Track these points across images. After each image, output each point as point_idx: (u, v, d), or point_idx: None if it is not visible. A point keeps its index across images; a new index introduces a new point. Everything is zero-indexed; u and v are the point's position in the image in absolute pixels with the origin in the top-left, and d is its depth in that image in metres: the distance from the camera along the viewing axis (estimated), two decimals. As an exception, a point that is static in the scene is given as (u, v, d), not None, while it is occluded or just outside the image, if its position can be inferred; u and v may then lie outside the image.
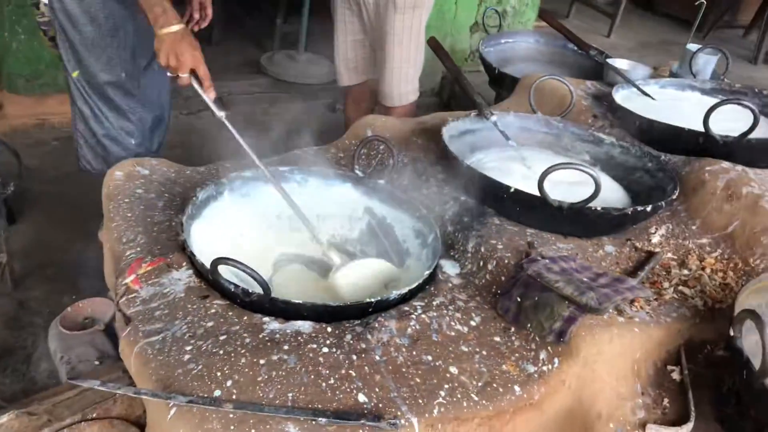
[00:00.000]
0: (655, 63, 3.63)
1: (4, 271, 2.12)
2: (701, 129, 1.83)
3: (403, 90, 2.65)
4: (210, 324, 1.26)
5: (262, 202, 1.68)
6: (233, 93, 3.82)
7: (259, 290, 1.25)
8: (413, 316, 1.33)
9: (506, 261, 1.46)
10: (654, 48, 5.97)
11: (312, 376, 1.16)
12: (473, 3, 4.17)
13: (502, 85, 2.81)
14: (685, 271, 1.53)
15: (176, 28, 1.73)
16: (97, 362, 1.75)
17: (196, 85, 1.74)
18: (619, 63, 2.52)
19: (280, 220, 1.68)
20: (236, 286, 1.29)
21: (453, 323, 1.34)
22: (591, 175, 1.43)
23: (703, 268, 1.54)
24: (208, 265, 1.27)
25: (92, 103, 2.10)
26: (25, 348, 2.00)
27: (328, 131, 3.59)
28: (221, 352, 1.19)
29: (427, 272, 1.41)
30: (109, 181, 1.68)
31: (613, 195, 1.80)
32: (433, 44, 2.18)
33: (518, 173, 1.82)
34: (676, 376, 1.35)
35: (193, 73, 1.74)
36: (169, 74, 1.78)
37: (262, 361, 1.17)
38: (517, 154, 1.90)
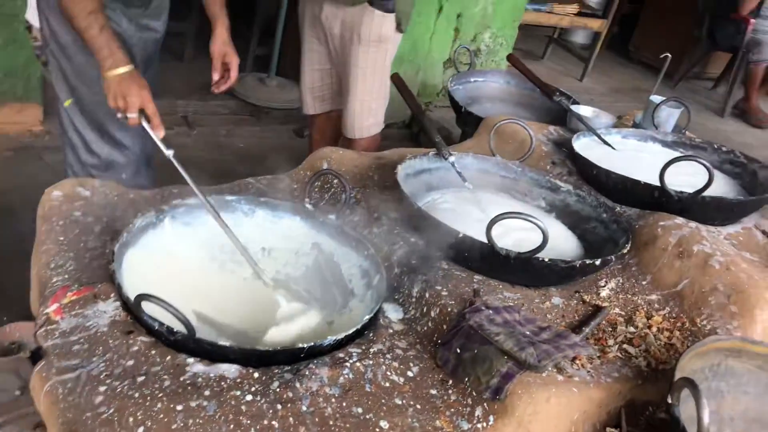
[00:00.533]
0: (626, 110, 3.67)
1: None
2: (657, 183, 1.82)
3: (365, 123, 2.62)
4: (130, 363, 1.19)
5: (206, 232, 1.61)
6: (199, 112, 3.76)
7: (183, 329, 1.19)
8: (347, 363, 1.28)
9: (450, 309, 1.42)
10: (626, 94, 6.06)
11: (231, 426, 1.10)
12: (448, 39, 4.19)
13: (468, 123, 2.79)
14: (632, 329, 1.50)
15: (123, 70, 1.73)
16: (18, 392, 1.65)
17: (145, 125, 1.73)
18: (584, 110, 2.52)
19: (222, 253, 1.61)
20: (160, 323, 1.22)
21: (389, 373, 1.29)
22: (539, 226, 1.41)
23: (649, 326, 1.51)
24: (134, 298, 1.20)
25: (84, 133, 2.03)
26: (-54, 371, 1.89)
27: (292, 158, 3.54)
28: (137, 395, 1.12)
29: (367, 317, 1.36)
30: (45, 200, 1.61)
31: (566, 244, 1.78)
32: (397, 81, 2.16)
33: (472, 216, 1.79)
34: (615, 438, 1.31)
35: (142, 112, 1.73)
36: (119, 115, 1.76)
37: (179, 407, 1.11)
38: (472, 197, 1.87)
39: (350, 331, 1.31)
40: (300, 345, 1.25)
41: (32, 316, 1.82)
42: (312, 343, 1.26)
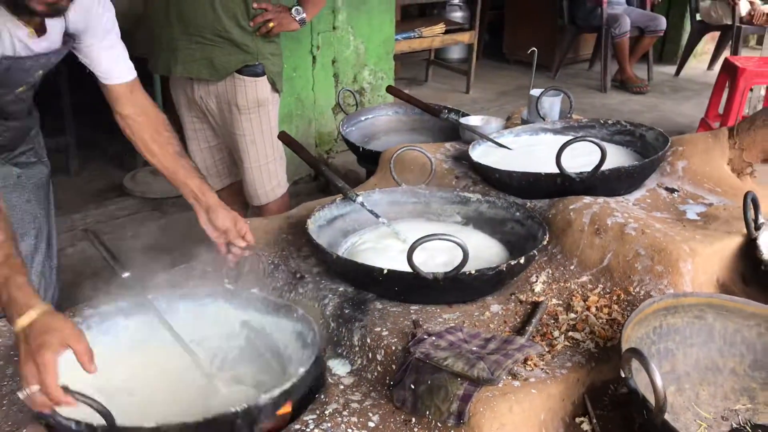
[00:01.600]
0: (515, 109, 3.80)
1: None
2: (557, 170, 1.87)
3: (268, 187, 2.60)
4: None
5: (126, 335, 1.54)
6: (99, 221, 3.62)
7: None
8: (305, 433, 1.22)
9: (394, 347, 1.39)
10: (512, 94, 6.29)
11: None
12: (330, 85, 4.24)
13: (370, 161, 2.80)
14: (572, 315, 1.52)
15: (34, 314, 1.22)
16: None
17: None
18: (473, 120, 2.58)
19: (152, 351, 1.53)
20: (77, 422, 1.14)
21: (350, 430, 1.25)
22: (455, 242, 1.41)
23: (588, 308, 1.53)
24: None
25: None
26: None
27: (205, 241, 3.47)
28: None
29: (303, 369, 1.29)
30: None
31: (490, 251, 1.79)
32: (285, 139, 2.15)
33: (395, 249, 1.78)
34: (586, 426, 1.31)
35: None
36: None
37: None
38: (389, 230, 1.86)
39: (287, 386, 1.24)
40: (233, 409, 1.17)
41: None
42: (245, 405, 1.18)
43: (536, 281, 1.66)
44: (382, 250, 1.79)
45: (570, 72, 7.06)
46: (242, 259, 1.76)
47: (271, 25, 2.42)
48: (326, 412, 1.29)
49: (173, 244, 3.49)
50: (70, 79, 4.04)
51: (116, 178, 4.16)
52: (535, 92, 2.54)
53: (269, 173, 2.62)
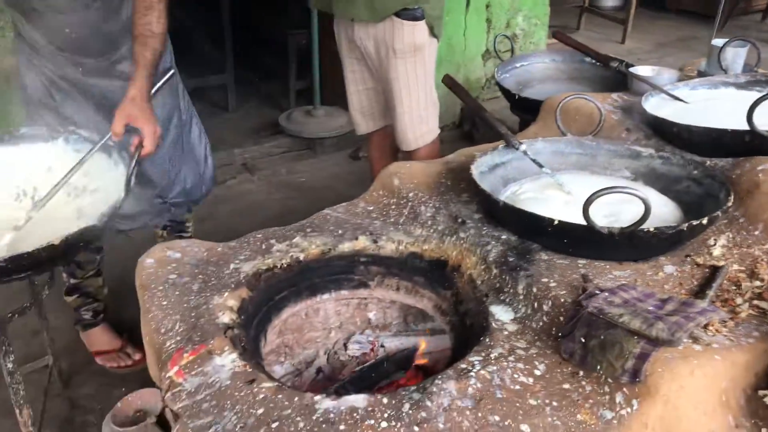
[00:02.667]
0: (678, 62, 3.53)
1: (51, 372, 2.09)
2: (746, 127, 1.72)
3: (418, 133, 2.60)
4: (260, 411, 1.19)
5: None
6: (256, 157, 3.82)
7: None
8: (472, 373, 1.25)
9: (562, 299, 1.37)
10: (673, 46, 5.85)
11: (374, 456, 1.08)
12: (482, 31, 4.14)
13: (524, 109, 2.74)
14: (758, 283, 1.41)
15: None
16: (152, 457, 1.70)
17: None
18: (643, 70, 2.43)
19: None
20: None
21: (516, 375, 1.25)
22: (639, 197, 1.35)
23: (776, 277, 1.42)
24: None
25: None
26: (80, 450, 1.96)
27: (356, 181, 3.57)
28: (275, 441, 1.12)
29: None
30: (140, 270, 1.65)
31: (662, 209, 1.70)
32: (449, 82, 2.13)
33: (559, 201, 1.74)
34: (769, 400, 1.23)
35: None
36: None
37: (319, 447, 1.10)
38: (552, 181, 1.82)
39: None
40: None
41: (148, 384, 1.88)
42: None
43: (714, 245, 1.56)
44: (544, 200, 1.75)
45: (740, 24, 6.43)
46: None
47: None
48: (492, 356, 1.30)
49: (326, 182, 3.64)
50: (232, 23, 4.23)
51: (271, 116, 4.35)
52: (718, 42, 2.33)
53: (421, 119, 2.62)
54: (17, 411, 1.73)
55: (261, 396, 1.23)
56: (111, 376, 2.24)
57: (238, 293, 1.55)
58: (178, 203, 2.27)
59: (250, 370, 1.30)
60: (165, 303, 1.52)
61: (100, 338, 2.37)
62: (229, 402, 1.22)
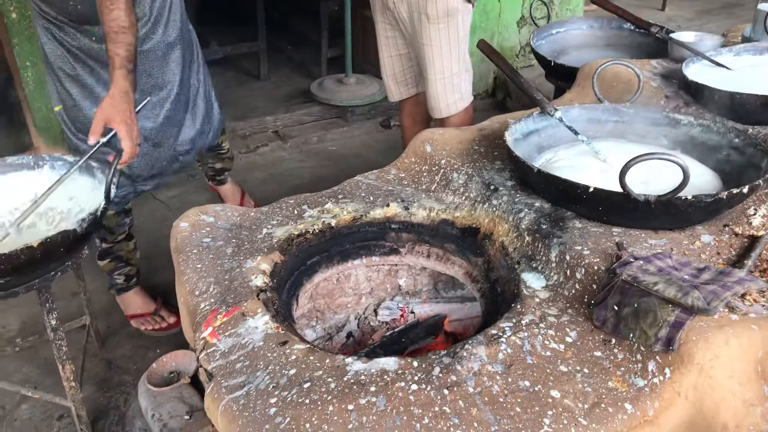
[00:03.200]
0: (721, 30, 3.41)
1: (89, 332, 2.15)
2: (791, 94, 1.67)
3: (450, 100, 2.56)
4: (292, 372, 1.21)
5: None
6: (287, 125, 3.83)
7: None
8: (503, 339, 1.25)
9: (596, 267, 1.36)
10: (716, 14, 5.66)
11: (405, 418, 1.09)
12: (517, -2, 4.06)
13: (560, 76, 2.68)
14: (798, 253, 1.38)
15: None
16: (187, 416, 1.74)
17: None
18: (684, 36, 2.36)
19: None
20: None
21: (547, 342, 1.25)
22: (677, 163, 1.31)
23: (817, 248, 1.38)
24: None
25: (72, 136, 2.13)
26: (118, 407, 2.02)
27: (386, 149, 3.56)
28: (307, 401, 1.13)
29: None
30: (175, 233, 1.67)
31: (700, 178, 1.66)
32: (485, 47, 2.09)
33: (594, 168, 1.71)
34: (806, 372, 1.21)
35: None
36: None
37: (350, 407, 1.11)
38: (588, 149, 1.78)
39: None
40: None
41: (182, 346, 1.93)
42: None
43: (755, 214, 1.52)
44: (580, 168, 1.72)
45: (788, -12, 6.18)
46: None
47: None
48: (523, 322, 1.30)
49: (357, 149, 3.63)
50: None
51: (302, 84, 4.34)
52: (764, 7, 2.25)
53: (453, 86, 2.58)
54: (60, 366, 1.78)
55: (293, 357, 1.25)
56: (146, 338, 2.29)
57: (270, 257, 1.57)
58: (186, 151, 2.35)
59: (283, 332, 1.32)
60: (199, 266, 1.55)
61: (134, 302, 2.42)
62: (261, 362, 1.24)
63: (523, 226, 1.56)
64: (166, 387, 1.79)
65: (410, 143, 2.00)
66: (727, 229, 1.49)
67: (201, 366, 1.31)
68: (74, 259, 1.73)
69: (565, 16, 4.22)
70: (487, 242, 1.64)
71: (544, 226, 1.52)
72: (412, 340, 1.69)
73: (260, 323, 1.35)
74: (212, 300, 1.43)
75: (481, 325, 1.47)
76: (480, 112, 4.06)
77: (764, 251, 1.41)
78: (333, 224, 1.71)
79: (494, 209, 1.66)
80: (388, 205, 1.76)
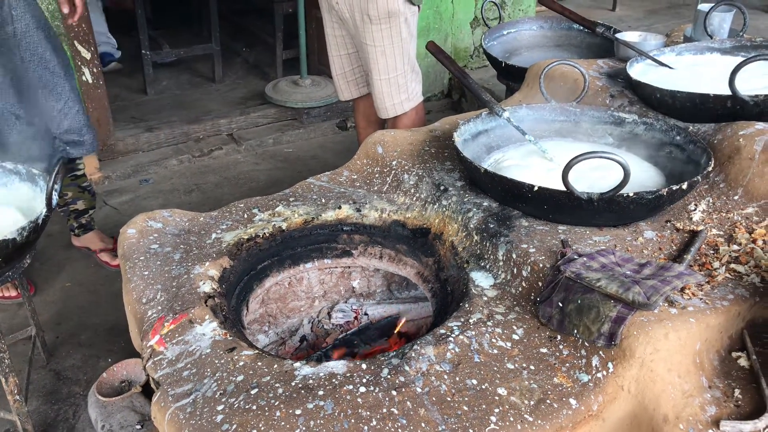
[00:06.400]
0: (667, 29, 3.49)
1: (35, 343, 2.09)
2: (728, 92, 1.72)
3: (396, 100, 2.56)
4: (240, 378, 1.20)
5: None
6: (242, 127, 3.79)
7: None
8: (451, 338, 1.26)
9: (541, 265, 1.38)
10: (663, 14, 5.80)
11: (353, 420, 1.09)
12: (470, -1, 4.09)
13: (511, 77, 2.71)
14: (735, 247, 1.42)
15: None
16: (138, 426, 1.71)
17: None
18: (629, 36, 2.41)
19: None
20: None
21: (494, 340, 1.26)
22: (618, 161, 1.34)
23: (753, 241, 1.43)
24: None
25: None
26: (67, 420, 1.97)
27: (343, 150, 3.55)
28: (254, 407, 1.12)
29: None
30: (122, 240, 1.64)
31: (644, 175, 1.70)
32: (433, 48, 2.11)
33: (540, 168, 1.74)
34: (743, 362, 1.25)
35: None
36: None
37: (298, 412, 1.11)
38: (536, 148, 1.81)
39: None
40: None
41: (133, 354, 1.89)
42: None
43: (695, 209, 1.57)
44: (527, 167, 1.74)
45: (732, -11, 6.37)
46: None
47: None
48: (471, 321, 1.31)
49: (313, 151, 3.62)
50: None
51: (257, 86, 4.30)
52: (704, 7, 2.31)
53: (398, 86, 2.58)
54: (2, 380, 1.73)
55: (241, 363, 1.24)
56: (96, 347, 2.24)
57: (219, 263, 1.55)
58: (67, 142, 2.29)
59: (231, 338, 1.31)
60: (146, 273, 1.52)
61: (94, 239, 2.69)
62: (209, 369, 1.23)
63: (471, 226, 1.58)
64: (116, 397, 1.75)
65: (362, 145, 2.00)
66: (669, 224, 1.53)
67: (148, 375, 1.29)
68: (14, 268, 1.68)
69: (517, 16, 4.27)
70: (437, 242, 1.65)
71: (491, 226, 1.54)
72: (364, 341, 1.69)
73: (208, 330, 1.33)
74: (159, 307, 1.41)
75: (432, 324, 1.48)
76: (435, 113, 4.09)
77: (703, 245, 1.45)
78: (284, 227, 1.70)
79: (444, 209, 1.67)
80: (339, 207, 1.75)
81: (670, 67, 2.09)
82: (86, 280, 2.61)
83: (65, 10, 2.15)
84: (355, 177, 1.90)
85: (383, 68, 2.50)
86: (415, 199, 1.76)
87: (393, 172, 1.85)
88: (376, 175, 1.88)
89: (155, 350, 1.31)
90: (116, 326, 2.29)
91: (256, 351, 1.27)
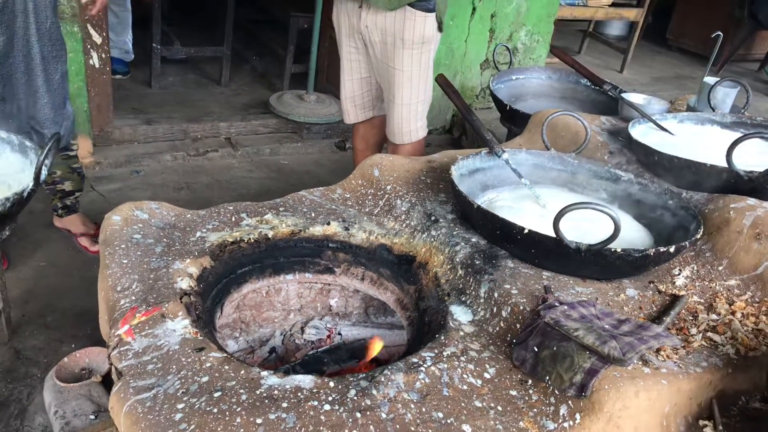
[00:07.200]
0: (671, 98, 3.56)
1: (0, 318, 2.05)
2: (724, 164, 1.74)
3: (413, 127, 2.59)
4: (204, 379, 1.18)
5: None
6: (242, 133, 3.79)
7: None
8: (422, 368, 1.25)
9: (521, 307, 1.37)
10: (668, 82, 5.91)
11: (312, 437, 1.07)
12: (483, 40, 4.14)
13: (514, 121, 2.75)
14: (714, 316, 1.43)
15: None
16: (92, 416, 1.67)
17: None
18: (635, 97, 2.45)
19: None
20: None
21: (465, 376, 1.25)
22: (610, 215, 1.35)
23: (732, 313, 1.44)
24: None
25: None
26: (20, 401, 1.92)
27: (338, 170, 3.55)
28: (215, 410, 1.10)
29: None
30: (106, 225, 1.62)
31: (633, 234, 1.72)
32: (442, 82, 2.13)
33: (532, 212, 1.74)
34: (709, 431, 1.25)
35: None
36: None
37: (258, 421, 1.09)
38: (530, 193, 1.82)
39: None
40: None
41: (98, 342, 1.86)
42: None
43: (679, 274, 1.58)
44: (519, 210, 1.75)
45: (736, 70, 6.51)
46: None
47: None
48: (444, 354, 1.30)
49: (308, 167, 3.62)
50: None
51: (262, 95, 4.32)
52: (710, 80, 2.36)
53: (416, 114, 2.61)
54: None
55: (208, 365, 1.21)
56: (61, 330, 2.20)
57: (200, 261, 1.53)
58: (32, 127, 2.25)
59: (201, 338, 1.29)
60: (125, 261, 1.50)
61: (76, 222, 2.67)
62: (174, 366, 1.21)
63: (457, 260, 1.57)
64: (74, 383, 1.71)
65: (359, 165, 2.00)
66: (651, 285, 1.54)
67: (111, 363, 1.27)
68: (-7, 238, 1.66)
69: (527, 64, 4.33)
70: (421, 271, 1.64)
71: (477, 262, 1.54)
72: (335, 361, 1.67)
73: (179, 327, 1.31)
74: (133, 297, 1.39)
75: (405, 352, 1.47)
76: (434, 147, 4.11)
77: (683, 311, 1.45)
78: (270, 236, 1.69)
79: (432, 240, 1.67)
80: (328, 224, 1.75)
81: (670, 133, 2.13)
82: (62, 262, 2.58)
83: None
84: (348, 196, 1.90)
85: (407, 94, 2.53)
86: (404, 225, 1.76)
87: (386, 196, 1.85)
88: (369, 197, 1.88)
89: (123, 340, 1.28)
90: (85, 312, 2.25)
91: (225, 354, 1.25)
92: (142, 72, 4.35)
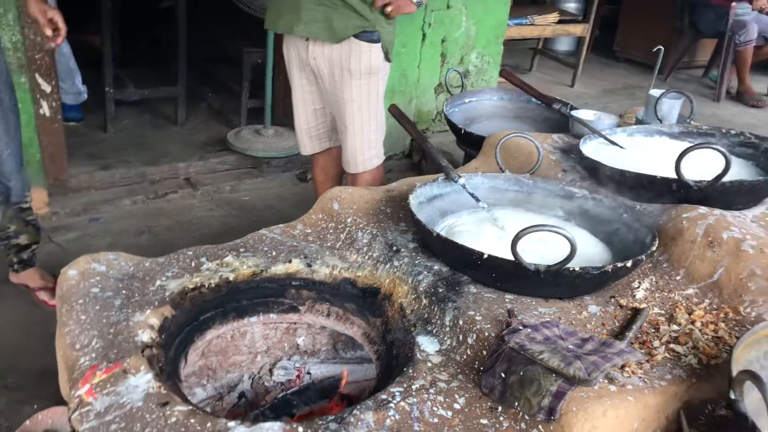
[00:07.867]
0: (621, 109, 3.64)
1: (-42, 384, 1.98)
2: (674, 175, 1.79)
3: (366, 156, 2.60)
4: (170, 435, 1.15)
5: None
6: (201, 172, 3.76)
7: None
8: (392, 404, 1.24)
9: (486, 333, 1.38)
10: (618, 94, 6.06)
11: (283, 487, 1.05)
12: (436, 65, 4.20)
13: (470, 144, 2.78)
14: (675, 327, 1.45)
15: None
16: (58, 480, 1.61)
17: None
18: (584, 114, 2.50)
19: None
20: None
21: (435, 408, 1.25)
22: (565, 237, 1.37)
23: (692, 322, 1.46)
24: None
25: None
26: (-18, 469, 1.85)
27: (300, 202, 3.54)
28: (182, 467, 1.08)
29: None
30: (62, 281, 1.58)
31: (591, 250, 1.74)
32: (395, 112, 2.15)
33: (492, 235, 1.76)
34: (679, 443, 1.26)
35: None
36: None
37: (228, 475, 1.06)
38: (488, 216, 1.84)
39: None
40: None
41: (62, 402, 1.80)
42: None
43: (638, 287, 1.60)
44: (480, 234, 1.77)
45: (682, 77, 6.72)
46: None
47: (389, 9, 2.40)
48: (413, 387, 1.30)
49: (270, 202, 3.60)
50: (189, 35, 4.18)
51: (219, 132, 4.30)
52: (655, 93, 2.43)
53: (369, 142, 2.63)
54: None
55: (173, 420, 1.19)
56: (22, 391, 2.13)
57: (160, 311, 1.51)
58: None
59: (165, 392, 1.26)
60: (84, 317, 1.47)
61: (34, 276, 2.61)
62: (138, 425, 1.18)
63: (421, 289, 1.58)
64: (37, 447, 1.66)
65: (318, 200, 2.00)
66: (613, 300, 1.56)
67: (72, 427, 1.23)
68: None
69: (480, 86, 4.40)
70: (386, 303, 1.64)
71: (440, 290, 1.54)
72: (305, 402, 1.65)
73: (142, 382, 1.28)
74: (93, 355, 1.36)
75: (374, 388, 1.46)
76: (396, 173, 4.13)
77: (645, 323, 1.48)
78: (231, 278, 1.67)
79: (395, 270, 1.67)
80: (290, 261, 1.74)
81: (621, 147, 2.17)
82: (20, 319, 2.50)
83: (48, 32, 2.15)
84: (309, 231, 1.89)
85: (358, 124, 2.54)
86: (367, 257, 1.75)
87: (347, 229, 1.85)
88: (330, 231, 1.87)
89: (83, 400, 1.25)
90: (47, 371, 2.16)
91: (190, 407, 1.23)
92: (97, 117, 4.30)
